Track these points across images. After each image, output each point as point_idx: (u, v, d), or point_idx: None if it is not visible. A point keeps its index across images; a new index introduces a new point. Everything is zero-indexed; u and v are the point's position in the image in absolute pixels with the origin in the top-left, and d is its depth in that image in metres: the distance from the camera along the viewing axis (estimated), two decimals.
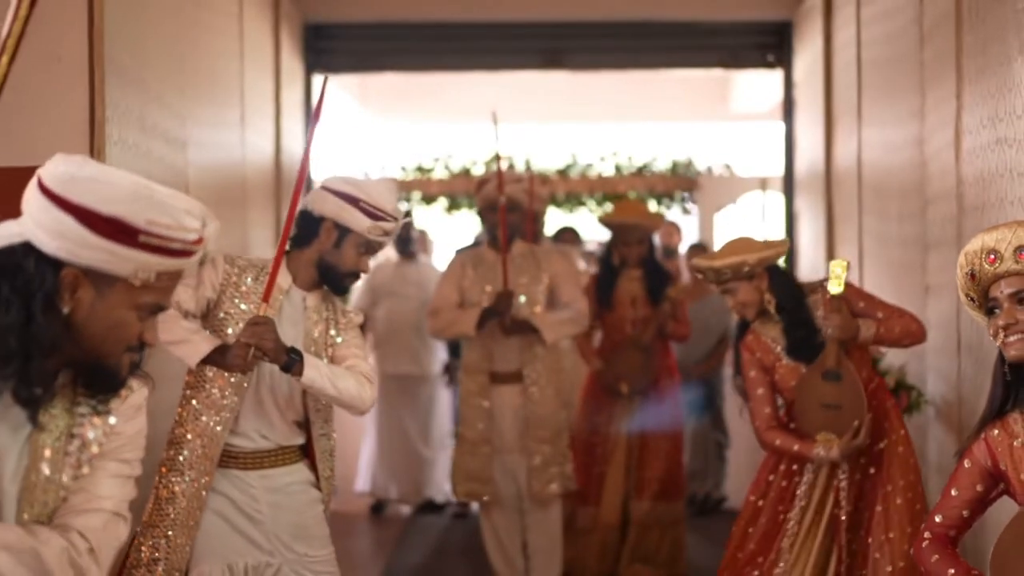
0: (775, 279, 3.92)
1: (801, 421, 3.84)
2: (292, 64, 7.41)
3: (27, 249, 1.76)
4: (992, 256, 2.39)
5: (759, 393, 3.93)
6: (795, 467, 3.90)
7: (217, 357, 3.29)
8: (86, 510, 1.85)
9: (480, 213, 5.31)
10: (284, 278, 3.41)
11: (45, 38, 3.93)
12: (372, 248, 3.45)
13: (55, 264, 1.76)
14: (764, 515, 3.94)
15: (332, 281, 3.47)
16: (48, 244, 1.75)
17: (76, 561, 1.79)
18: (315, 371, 3.27)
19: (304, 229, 3.40)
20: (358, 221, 3.36)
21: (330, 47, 7.96)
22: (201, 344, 3.28)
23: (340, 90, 9.81)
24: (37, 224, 1.75)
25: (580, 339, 5.90)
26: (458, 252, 7.54)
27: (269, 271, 3.36)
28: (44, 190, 1.74)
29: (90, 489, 1.87)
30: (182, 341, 3.28)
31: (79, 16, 3.89)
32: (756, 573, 3.90)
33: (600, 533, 5.75)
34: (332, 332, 3.47)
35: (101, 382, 1.87)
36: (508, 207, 5.02)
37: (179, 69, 4.95)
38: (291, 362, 3.23)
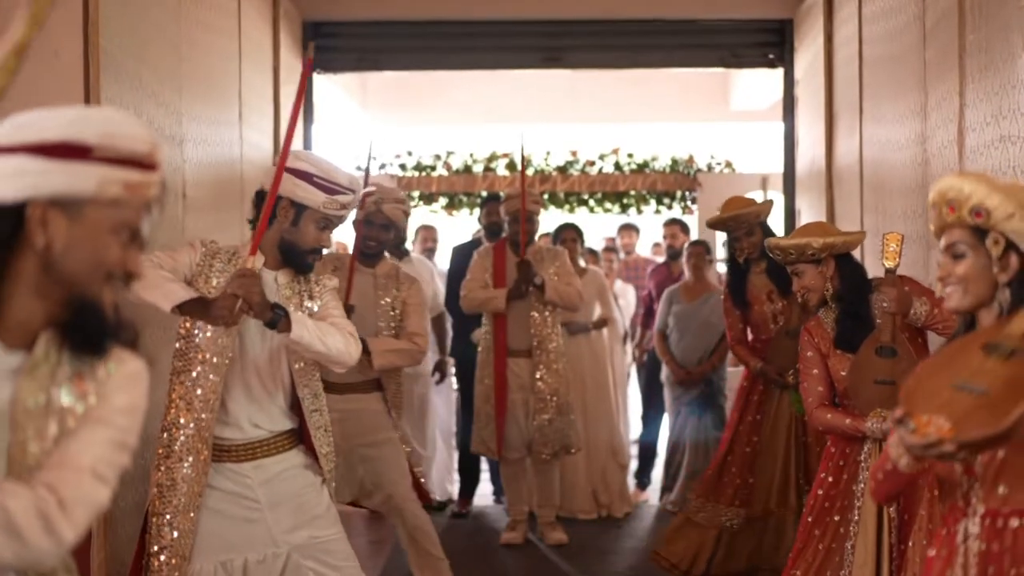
0: (842, 268, 3.94)
1: (854, 398, 3.80)
2: (291, 62, 7.38)
3: None
4: (951, 207, 2.33)
5: (813, 373, 3.94)
6: (842, 463, 3.87)
7: (198, 308, 3.20)
8: (58, 465, 1.79)
9: (355, 225, 5.07)
10: (256, 259, 3.36)
11: (41, 34, 3.90)
12: (331, 223, 3.43)
13: (16, 208, 1.76)
14: (812, 513, 3.93)
15: (295, 260, 3.44)
16: (4, 190, 1.75)
17: (44, 512, 1.73)
18: (302, 327, 3.22)
19: (257, 208, 3.39)
20: (313, 196, 3.33)
21: (329, 45, 7.91)
22: (179, 291, 3.18)
23: (340, 89, 9.78)
24: None
25: (734, 345, 5.77)
26: (454, 249, 7.56)
27: (239, 254, 3.36)
28: None
29: (66, 446, 1.82)
30: (156, 287, 3.15)
31: (75, 12, 3.87)
32: (798, 574, 3.90)
33: (754, 525, 5.56)
34: (308, 303, 3.44)
35: (87, 325, 1.83)
36: (381, 223, 4.93)
37: (176, 66, 4.92)
38: (276, 318, 3.19)
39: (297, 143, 7.59)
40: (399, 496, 5.00)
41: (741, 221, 5.49)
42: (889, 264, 3.78)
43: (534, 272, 6.27)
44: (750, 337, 5.73)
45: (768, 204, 5.70)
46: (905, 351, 3.72)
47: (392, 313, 4.98)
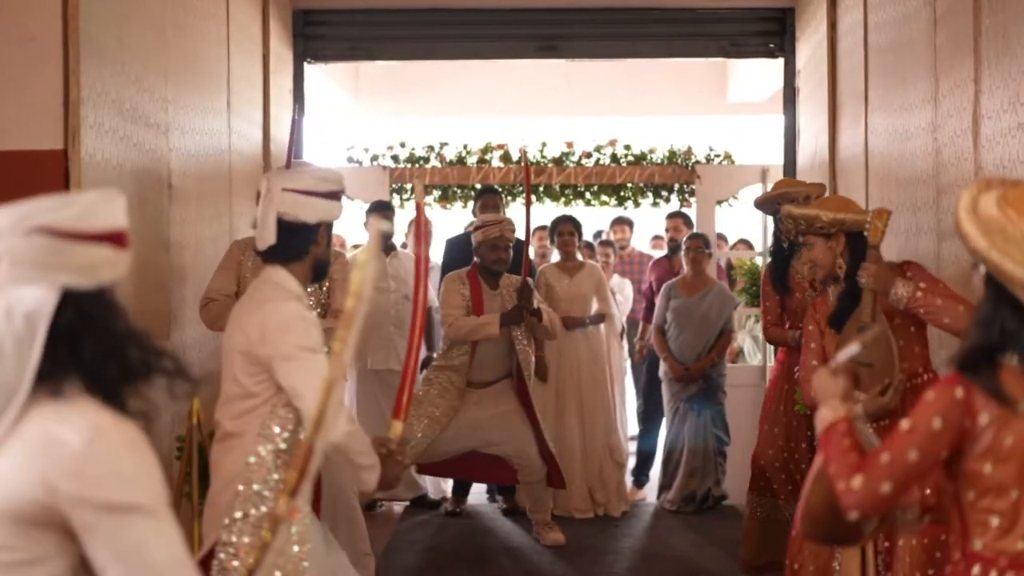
0: (852, 246, 3.89)
1: None
2: (281, 50, 7.20)
3: (68, 301, 1.75)
4: None
5: (811, 347, 3.99)
6: None
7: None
8: None
9: None
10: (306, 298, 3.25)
11: (18, 16, 3.74)
12: None
13: (99, 293, 1.77)
14: None
15: (322, 274, 3.33)
16: (89, 280, 1.75)
17: None
18: None
19: (296, 240, 3.16)
20: (338, 211, 3.26)
21: (320, 34, 7.76)
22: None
23: (330, 79, 9.62)
24: (68, 269, 1.73)
25: (768, 327, 5.59)
26: (448, 241, 7.41)
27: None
28: (64, 234, 1.72)
29: None
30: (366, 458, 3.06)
31: None
32: (796, 566, 3.90)
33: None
34: None
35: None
36: None
37: (162, 51, 4.76)
38: None
39: (284, 135, 7.42)
40: (334, 486, 4.90)
41: (788, 199, 5.33)
42: (873, 240, 3.70)
43: (533, 299, 6.15)
44: (786, 325, 5.58)
45: (818, 186, 5.57)
46: (882, 332, 3.66)
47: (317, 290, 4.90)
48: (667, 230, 8.33)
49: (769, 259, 5.77)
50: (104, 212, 1.77)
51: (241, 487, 3.03)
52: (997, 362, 2.08)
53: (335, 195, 3.22)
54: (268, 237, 3.11)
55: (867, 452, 2.19)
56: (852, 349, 2.34)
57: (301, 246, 3.17)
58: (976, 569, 2.11)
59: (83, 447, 1.67)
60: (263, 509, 3.03)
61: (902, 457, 2.10)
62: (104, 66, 4.02)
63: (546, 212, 9.25)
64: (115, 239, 1.77)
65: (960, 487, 2.13)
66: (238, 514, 3.02)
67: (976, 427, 2.09)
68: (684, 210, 8.81)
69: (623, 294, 8.74)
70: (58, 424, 1.69)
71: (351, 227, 8.85)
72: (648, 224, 10.65)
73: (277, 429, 3.07)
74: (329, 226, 3.26)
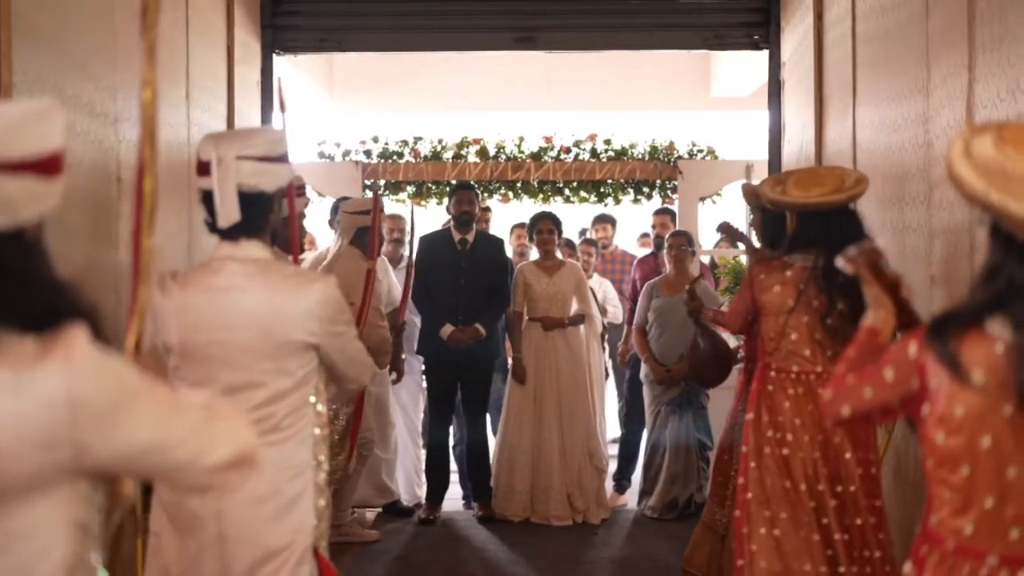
0: (799, 226, 4.05)
1: None
2: (247, 40, 6.93)
3: None
4: None
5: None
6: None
7: None
8: None
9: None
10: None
11: None
12: None
13: (16, 234, 1.51)
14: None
15: (275, 240, 3.18)
16: (5, 219, 1.49)
17: None
18: None
19: (256, 211, 2.96)
20: (291, 173, 3.10)
21: (290, 24, 7.49)
22: None
23: (304, 74, 9.36)
24: None
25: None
26: (422, 238, 7.16)
27: None
28: None
29: None
30: None
31: None
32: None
33: None
34: None
35: None
36: None
37: (109, 35, 4.48)
38: None
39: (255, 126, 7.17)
40: None
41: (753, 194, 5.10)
42: None
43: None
44: None
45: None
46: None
47: None
48: (653, 227, 8.11)
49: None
50: (33, 134, 1.48)
51: (310, 473, 2.95)
52: (973, 325, 1.96)
53: (287, 157, 3.04)
54: (233, 213, 2.90)
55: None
56: (839, 263, 2.64)
57: (261, 216, 2.98)
58: (924, 549, 2.07)
59: (75, 388, 1.48)
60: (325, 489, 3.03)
61: (860, 390, 2.22)
62: (40, 48, 3.76)
63: (524, 209, 9.02)
64: (43, 167, 1.49)
65: (925, 451, 2.06)
66: (322, 502, 2.99)
67: (928, 389, 2.04)
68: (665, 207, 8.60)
69: (612, 303, 8.44)
70: (33, 375, 1.46)
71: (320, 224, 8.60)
72: (630, 222, 10.43)
73: (321, 408, 3.00)
74: (282, 191, 3.06)
